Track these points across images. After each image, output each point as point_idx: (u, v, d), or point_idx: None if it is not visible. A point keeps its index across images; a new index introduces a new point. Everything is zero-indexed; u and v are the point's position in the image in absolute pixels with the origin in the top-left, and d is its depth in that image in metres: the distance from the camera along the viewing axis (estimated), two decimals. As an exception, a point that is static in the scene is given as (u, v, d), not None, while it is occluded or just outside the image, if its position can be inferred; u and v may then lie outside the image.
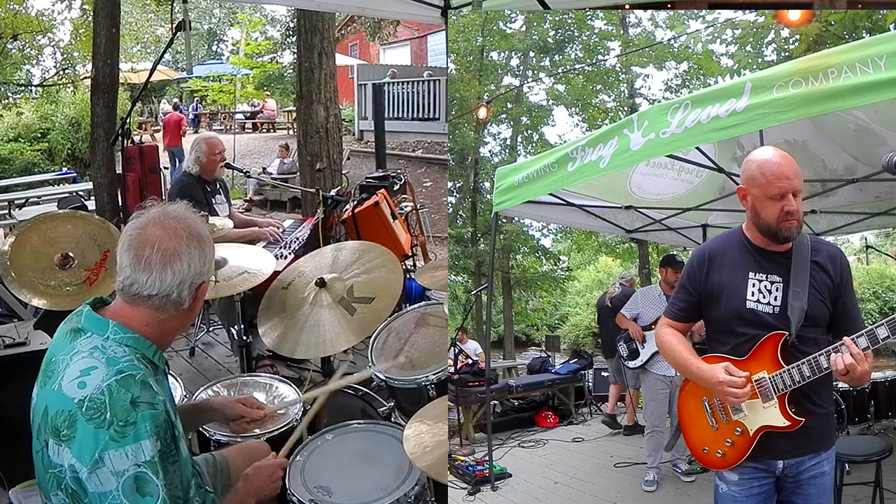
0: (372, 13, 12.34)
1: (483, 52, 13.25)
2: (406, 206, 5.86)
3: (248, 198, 12.33)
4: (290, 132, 17.63)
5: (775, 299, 1.95)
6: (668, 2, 6.99)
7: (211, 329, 5.21)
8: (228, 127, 18.70)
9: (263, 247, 4.27)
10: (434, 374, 2.76)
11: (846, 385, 4.71)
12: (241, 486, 2.00)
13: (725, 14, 8.89)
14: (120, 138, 5.10)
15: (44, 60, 15.62)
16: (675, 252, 6.18)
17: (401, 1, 4.44)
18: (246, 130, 19.46)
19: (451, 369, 6.35)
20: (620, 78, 13.52)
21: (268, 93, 20.17)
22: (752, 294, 1.97)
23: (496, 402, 6.89)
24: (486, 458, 5.03)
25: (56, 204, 8.79)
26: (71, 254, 3.25)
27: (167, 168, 8.24)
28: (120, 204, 6.51)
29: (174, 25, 4.52)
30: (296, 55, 9.17)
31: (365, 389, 2.91)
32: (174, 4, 9.14)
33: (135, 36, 20.49)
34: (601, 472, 5.15)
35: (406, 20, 15.53)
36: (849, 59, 2.49)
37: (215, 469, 2.20)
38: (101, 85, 6.54)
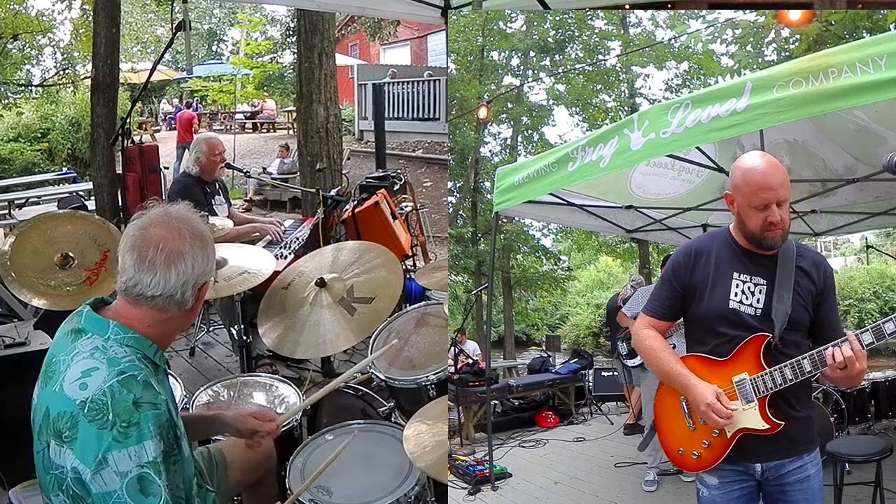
0: (372, 13, 12.34)
1: (483, 51, 13.24)
2: (406, 206, 5.86)
3: (248, 198, 12.32)
4: (290, 132, 17.62)
5: (758, 301, 1.94)
6: (669, 2, 6.98)
7: (211, 329, 5.21)
8: (228, 127, 18.70)
9: (264, 247, 4.27)
10: (434, 374, 2.76)
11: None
12: None
13: (726, 14, 8.89)
14: (120, 138, 5.11)
15: (44, 60, 15.64)
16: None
17: (401, 1, 4.43)
18: (246, 130, 19.45)
19: (452, 369, 6.35)
20: (621, 78, 13.52)
21: (266, 93, 20.16)
22: (736, 294, 1.96)
23: (496, 401, 6.89)
24: (487, 457, 5.03)
25: (56, 204, 8.79)
26: (71, 254, 3.25)
27: (167, 168, 8.21)
28: (120, 204, 6.51)
29: (174, 25, 4.52)
30: (296, 55, 9.17)
31: (365, 389, 2.91)
32: (174, 4, 9.15)
33: (135, 36, 20.47)
34: (601, 471, 5.15)
35: (406, 20, 15.53)
36: (849, 58, 2.49)
37: (211, 463, 2.20)
38: (101, 85, 6.54)
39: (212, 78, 20.06)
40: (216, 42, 31.15)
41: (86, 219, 3.53)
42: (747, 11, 7.25)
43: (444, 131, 14.46)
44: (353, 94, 17.84)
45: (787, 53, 7.86)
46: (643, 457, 4.81)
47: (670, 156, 4.03)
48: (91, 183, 7.66)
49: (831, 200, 5.10)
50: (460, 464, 5.14)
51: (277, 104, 20.84)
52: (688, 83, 12.88)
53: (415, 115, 15.66)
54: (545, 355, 8.88)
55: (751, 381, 1.91)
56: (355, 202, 5.07)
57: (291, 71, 17.95)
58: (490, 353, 6.98)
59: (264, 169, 12.82)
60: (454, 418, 6.35)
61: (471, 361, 6.79)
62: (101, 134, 6.53)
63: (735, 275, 1.97)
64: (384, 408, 2.76)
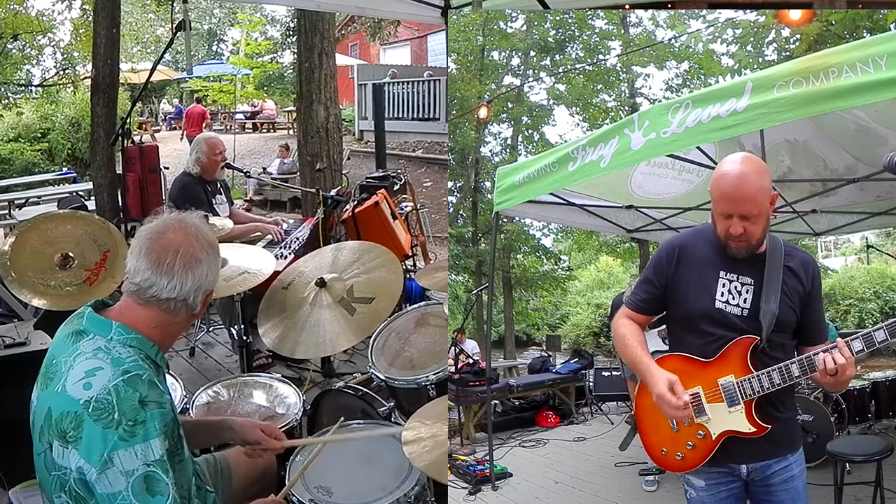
0: (372, 13, 12.32)
1: (484, 51, 13.25)
2: (406, 206, 5.86)
3: (248, 198, 12.31)
4: (290, 132, 17.60)
5: (745, 301, 1.91)
6: (669, 1, 6.98)
7: (211, 329, 5.21)
8: (228, 127, 18.67)
9: (264, 247, 4.28)
10: (434, 374, 2.75)
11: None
12: None
13: (726, 14, 8.90)
14: (120, 138, 5.09)
15: (44, 60, 15.63)
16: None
17: (401, 1, 4.43)
18: (246, 130, 19.43)
19: (452, 369, 6.35)
20: (621, 77, 13.53)
21: (266, 93, 20.15)
22: (722, 294, 1.92)
23: (497, 401, 6.89)
24: (487, 457, 5.03)
25: (56, 204, 8.79)
26: (71, 254, 3.24)
27: (167, 168, 8.20)
28: (120, 204, 6.51)
29: (174, 25, 4.52)
30: (296, 55, 9.17)
31: (365, 389, 2.91)
32: (174, 4, 9.16)
33: (135, 36, 20.46)
34: (602, 471, 5.15)
35: (406, 20, 15.52)
36: (849, 58, 2.49)
37: (216, 469, 2.20)
38: (101, 85, 6.54)
39: (212, 78, 20.05)
40: (216, 42, 31.14)
41: (86, 219, 3.52)
42: (748, 11, 7.25)
43: (443, 131, 14.45)
44: (353, 94, 17.84)
45: (788, 53, 7.86)
46: (644, 456, 4.80)
47: (671, 155, 4.03)
48: (91, 183, 7.66)
49: (832, 200, 5.10)
50: (461, 463, 5.14)
51: (277, 104, 20.82)
52: (688, 83, 12.89)
53: (415, 115, 15.66)
54: (545, 355, 8.88)
55: (737, 383, 1.89)
56: (355, 202, 5.07)
57: (291, 71, 17.95)
58: (490, 352, 6.97)
59: (264, 169, 12.81)
60: (454, 418, 6.36)
61: (471, 361, 6.79)
62: (101, 134, 6.53)
63: (721, 273, 1.93)
64: (384, 408, 2.76)
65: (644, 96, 13.60)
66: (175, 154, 13.73)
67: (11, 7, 13.08)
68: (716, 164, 4.14)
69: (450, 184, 13.49)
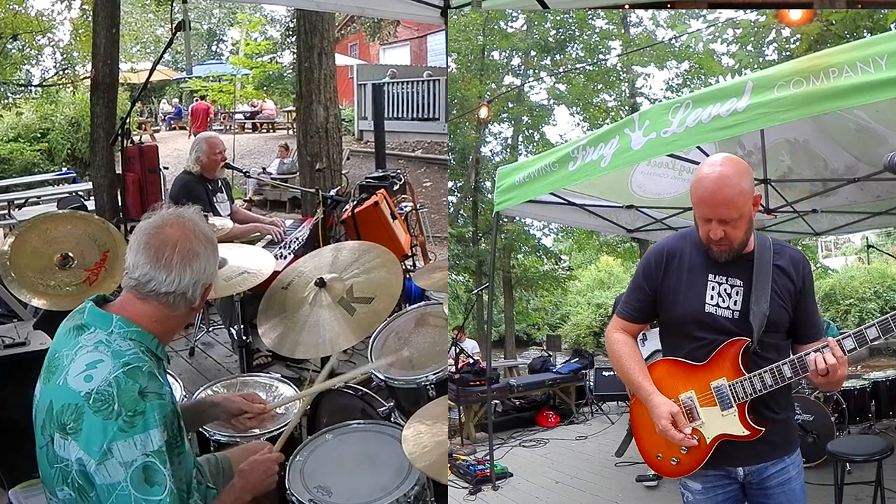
0: (372, 13, 12.33)
1: (484, 51, 13.25)
2: (406, 206, 5.85)
3: (247, 198, 12.31)
4: (290, 132, 17.60)
5: (735, 304, 1.89)
6: (669, 1, 6.98)
7: (211, 329, 5.21)
8: (228, 127, 18.66)
9: (263, 247, 4.28)
10: (434, 374, 2.75)
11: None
12: (237, 482, 2.01)
13: (726, 13, 8.90)
14: (120, 138, 5.09)
15: (44, 60, 15.61)
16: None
17: (401, 1, 4.44)
18: (246, 130, 19.43)
19: (452, 369, 6.35)
20: (621, 77, 13.53)
21: (266, 93, 20.15)
22: (712, 298, 1.90)
23: (497, 401, 6.89)
24: (487, 457, 5.03)
25: (56, 204, 8.78)
26: (71, 254, 3.24)
27: (167, 168, 8.20)
28: (119, 204, 6.51)
29: (174, 25, 4.52)
30: (296, 55, 9.16)
31: (365, 389, 2.90)
32: (174, 4, 9.15)
33: (135, 36, 20.44)
34: (602, 471, 5.15)
35: (406, 20, 15.52)
36: (850, 58, 2.48)
37: (217, 469, 2.20)
38: (100, 85, 6.53)
39: (211, 78, 20.04)
40: (216, 42, 31.16)
41: (86, 219, 3.52)
42: (748, 11, 7.26)
43: (443, 131, 14.46)
44: (352, 94, 17.83)
45: (788, 53, 7.86)
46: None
47: (671, 155, 4.03)
48: (91, 183, 7.65)
49: (832, 200, 5.10)
50: (461, 463, 5.14)
51: (277, 104, 20.82)
52: (688, 83, 12.89)
53: (414, 115, 15.66)
54: (546, 355, 8.88)
55: (729, 386, 1.88)
56: (355, 202, 5.06)
57: (291, 71, 17.95)
58: (491, 352, 6.97)
59: (264, 169, 12.81)
60: (455, 418, 6.36)
61: (471, 361, 6.79)
62: (100, 134, 6.53)
63: (710, 276, 1.91)
64: (384, 408, 2.76)
65: (644, 96, 13.63)
66: (175, 154, 13.73)
67: (11, 7, 13.07)
68: (716, 163, 4.16)
69: (450, 184, 13.49)
